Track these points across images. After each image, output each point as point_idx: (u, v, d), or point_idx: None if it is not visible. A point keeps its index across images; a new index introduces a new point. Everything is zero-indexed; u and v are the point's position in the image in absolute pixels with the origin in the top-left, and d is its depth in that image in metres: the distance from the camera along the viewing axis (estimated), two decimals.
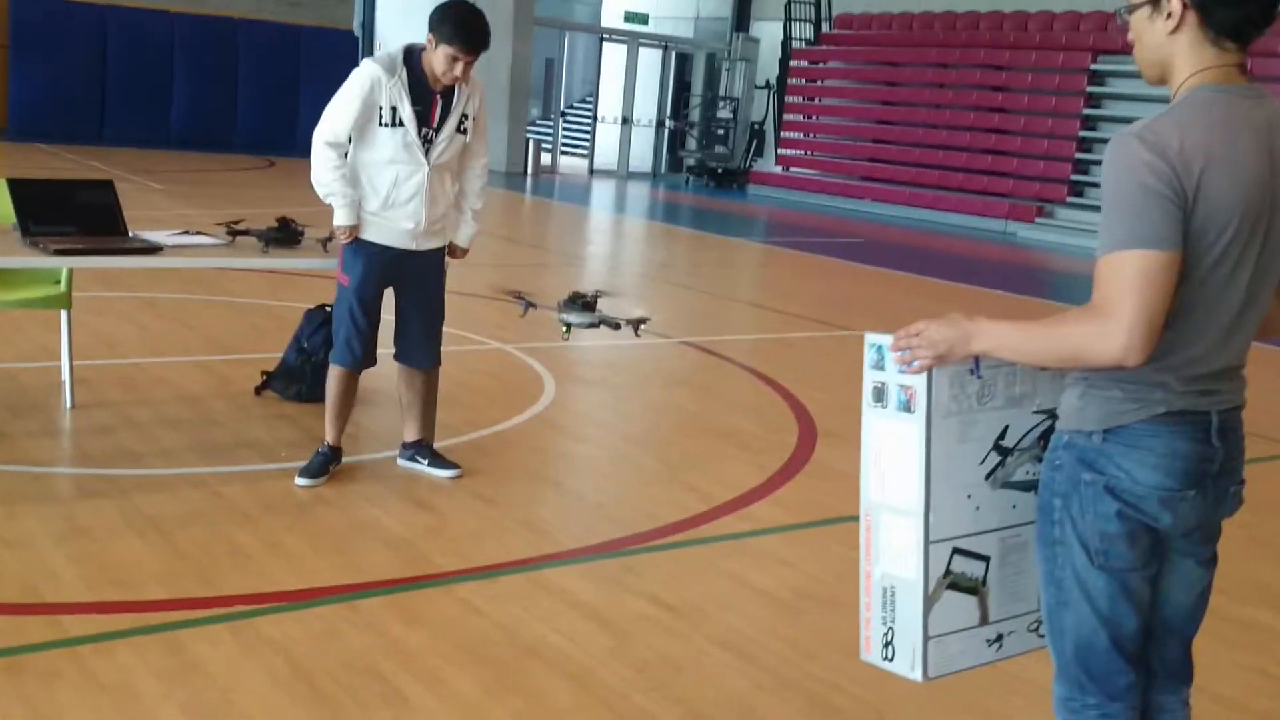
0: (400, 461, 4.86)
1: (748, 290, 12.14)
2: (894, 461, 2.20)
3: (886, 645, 2.25)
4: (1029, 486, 2.27)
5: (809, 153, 24.57)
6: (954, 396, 2.17)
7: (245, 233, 5.16)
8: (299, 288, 8.14)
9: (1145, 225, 1.96)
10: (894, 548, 2.21)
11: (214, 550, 3.95)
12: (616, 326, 4.35)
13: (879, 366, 2.19)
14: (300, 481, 4.55)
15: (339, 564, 3.92)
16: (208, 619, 3.48)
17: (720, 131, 26.02)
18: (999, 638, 2.32)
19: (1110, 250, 1.97)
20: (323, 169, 4.39)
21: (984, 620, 2.28)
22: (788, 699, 3.26)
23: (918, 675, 2.22)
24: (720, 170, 25.06)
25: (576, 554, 4.19)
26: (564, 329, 4.37)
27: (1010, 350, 2.10)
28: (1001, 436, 2.24)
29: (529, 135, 24.74)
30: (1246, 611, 4.15)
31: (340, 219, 4.45)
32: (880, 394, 2.20)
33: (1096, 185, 18.97)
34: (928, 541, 2.18)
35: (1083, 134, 19.46)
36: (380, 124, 4.37)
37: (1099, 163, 18.86)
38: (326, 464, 4.64)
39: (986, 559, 2.26)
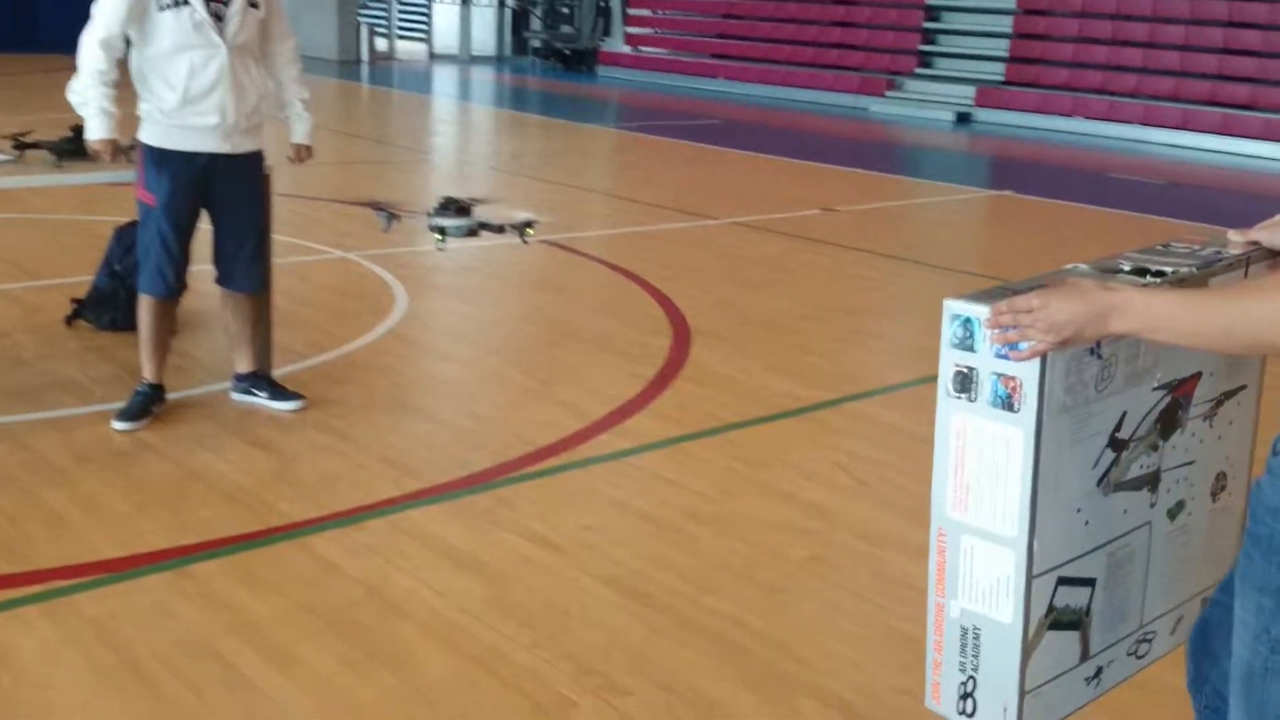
0: (234, 395, 4.35)
1: (604, 180, 11.68)
2: (985, 473, 1.69)
3: (965, 698, 1.78)
4: (1141, 484, 1.83)
5: (658, 31, 23.92)
6: (1069, 388, 1.66)
7: (35, 145, 4.49)
8: (117, 199, 7.35)
9: None
10: (981, 582, 1.72)
11: (21, 516, 3.43)
12: (500, 230, 3.89)
13: (965, 345, 1.67)
14: (118, 426, 4.02)
15: (168, 523, 3.43)
16: (16, 600, 3.00)
17: (565, 9, 25.10)
18: (1098, 672, 1.88)
19: None
20: (84, 73, 3.82)
21: (1085, 656, 1.84)
22: (688, 641, 2.96)
23: None
24: (568, 52, 24.22)
25: (444, 490, 3.79)
26: (438, 237, 3.87)
27: (1178, 332, 1.57)
28: (1118, 427, 1.76)
29: (360, 19, 23.42)
30: None
31: (94, 131, 3.88)
32: (966, 382, 1.68)
33: (946, 56, 19.10)
34: (1030, 577, 1.69)
35: (930, 2, 19.31)
36: (159, 8, 3.78)
37: (947, 32, 18.88)
38: (147, 404, 4.11)
39: (1092, 582, 1.80)
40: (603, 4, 24.49)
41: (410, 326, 5.59)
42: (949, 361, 1.70)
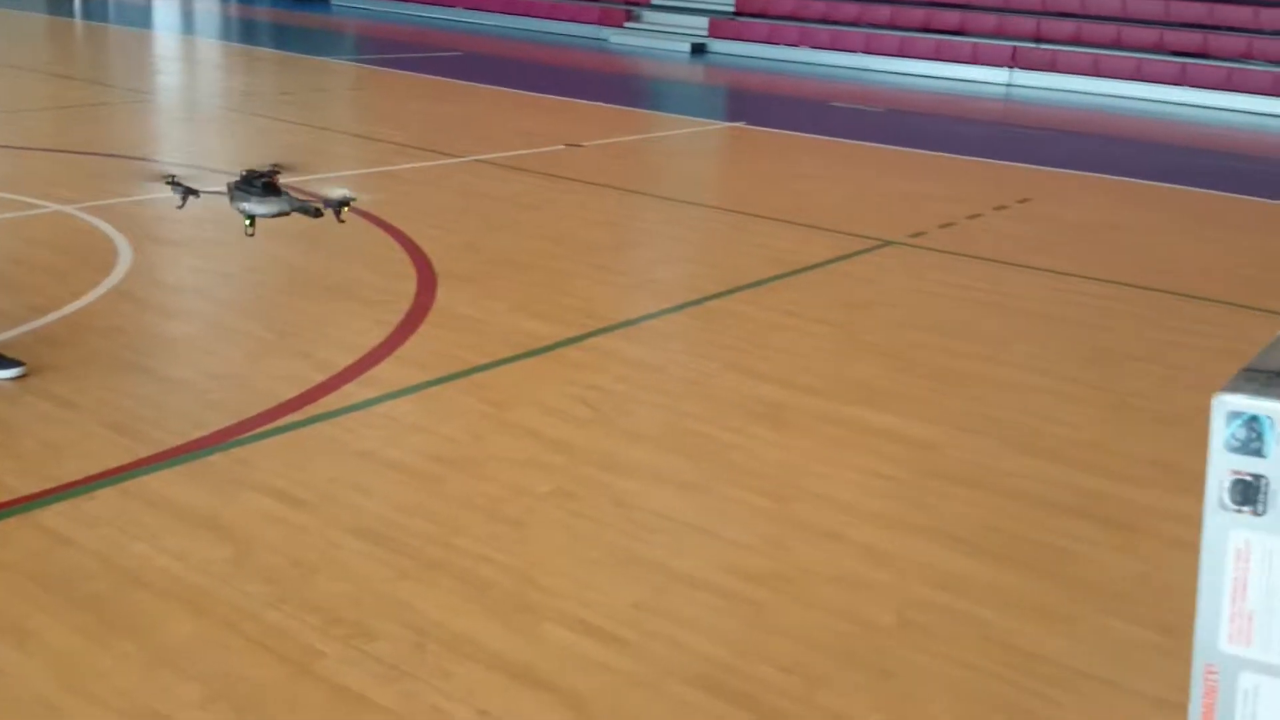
0: None
1: (343, 118, 11.37)
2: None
3: None
4: None
5: None
6: None
7: None
8: None
9: None
10: None
11: None
12: (316, 213, 3.48)
13: (1251, 450, 1.37)
14: None
15: None
16: None
17: None
18: None
19: None
20: None
21: None
22: (436, 581, 3.05)
23: None
24: None
25: (179, 453, 3.71)
26: (246, 223, 3.39)
27: None
28: None
29: None
30: (852, 412, 4.37)
31: None
32: (1250, 492, 1.38)
33: None
34: None
35: None
36: None
37: None
38: None
39: None
40: None
41: (136, 283, 5.36)
42: (1223, 469, 1.40)
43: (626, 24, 19.11)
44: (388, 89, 12.95)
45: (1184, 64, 14.75)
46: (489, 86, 13.05)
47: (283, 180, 3.55)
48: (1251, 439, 1.36)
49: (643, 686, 2.68)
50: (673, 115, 12.26)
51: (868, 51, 16.76)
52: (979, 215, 7.87)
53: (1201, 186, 9.46)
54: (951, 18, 16.70)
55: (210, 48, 16.98)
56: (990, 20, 16.42)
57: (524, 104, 12.16)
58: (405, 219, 6.67)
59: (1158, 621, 3.08)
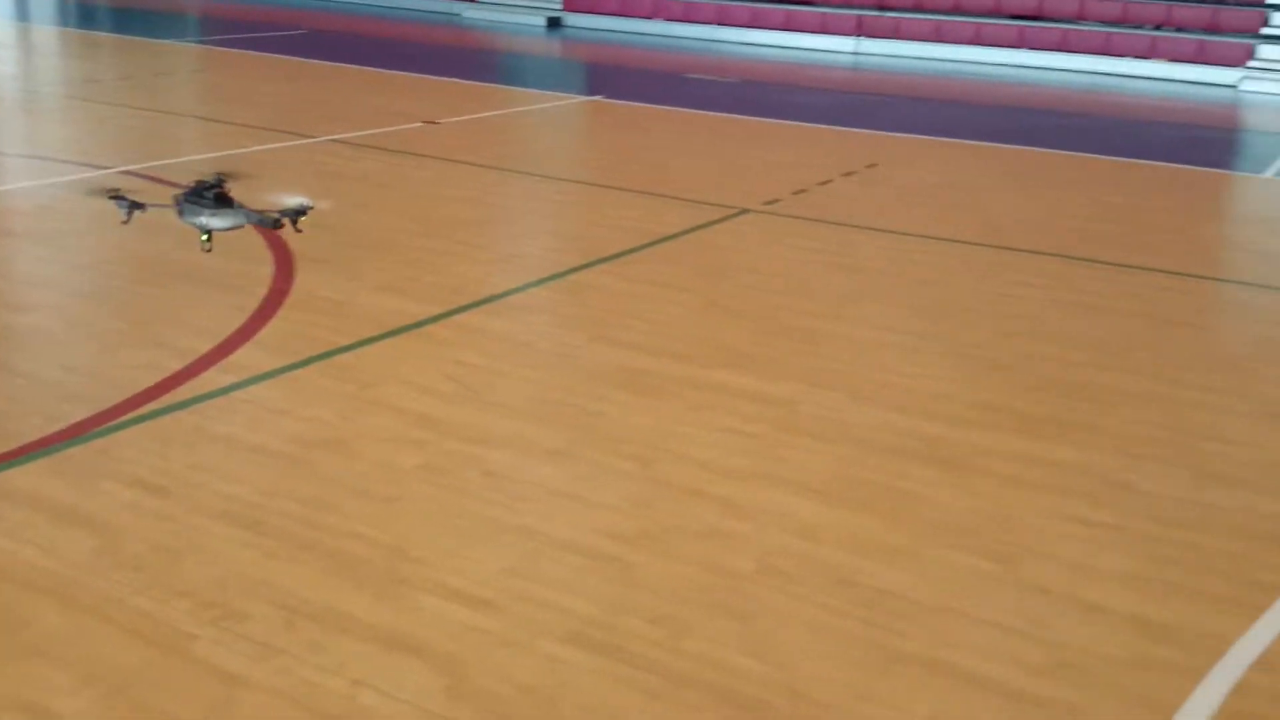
0: None
1: (188, 101, 11.06)
2: None
3: None
4: None
5: None
6: None
7: None
8: None
9: None
10: None
11: None
12: (276, 224, 3.24)
13: None
14: None
15: None
16: None
17: None
18: None
19: None
20: None
21: None
22: (305, 560, 3.09)
23: None
24: None
25: (38, 447, 3.65)
26: (203, 239, 3.13)
27: None
28: None
29: None
30: (714, 375, 4.52)
31: None
32: None
33: None
34: None
35: None
36: None
37: None
38: None
39: None
40: None
41: None
42: None
43: None
44: (234, 70, 12.64)
45: (1020, 27, 15.37)
46: (339, 64, 12.85)
47: (228, 185, 3.31)
48: None
49: (514, 646, 2.78)
50: (530, 90, 12.27)
51: (720, 23, 17.00)
52: (829, 181, 8.12)
53: (1035, 145, 9.91)
54: None
55: (47, 34, 16.27)
56: None
57: (377, 81, 12.01)
58: (260, 203, 6.57)
59: (994, 552, 3.31)
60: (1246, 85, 13.91)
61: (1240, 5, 14.79)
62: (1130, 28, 15.03)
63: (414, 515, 3.37)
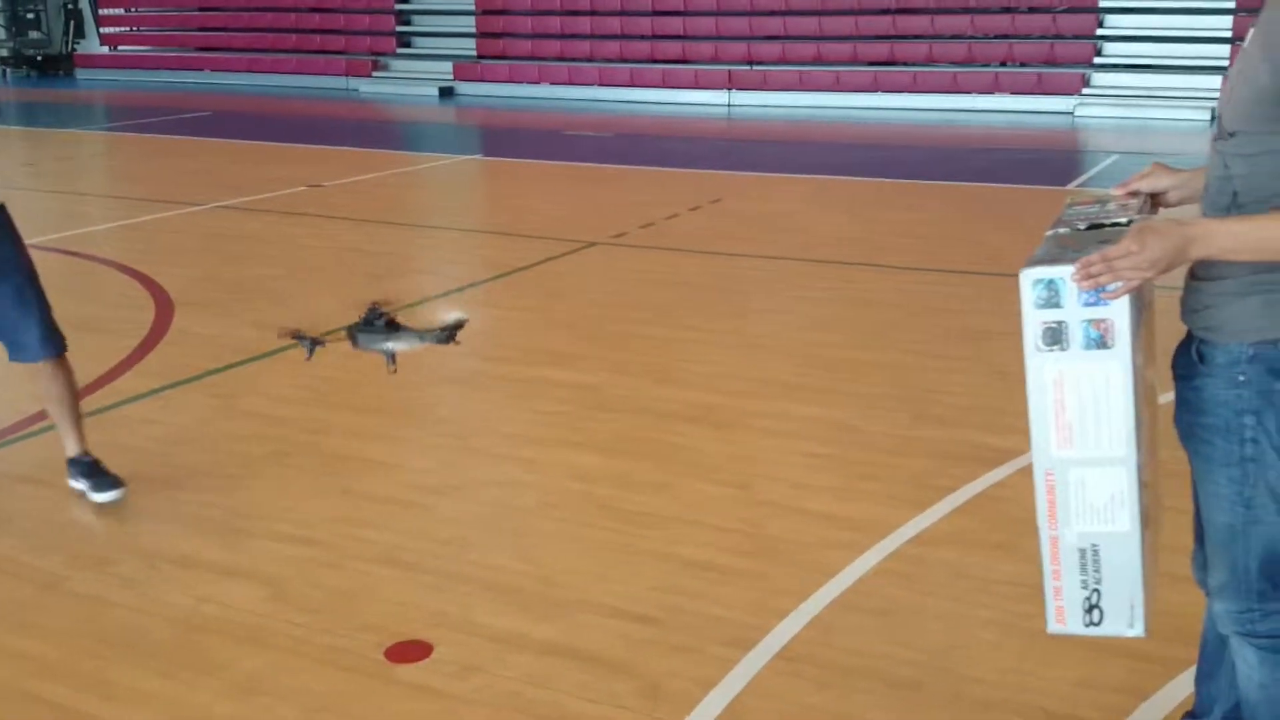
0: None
1: (88, 181, 11.72)
2: (1088, 409, 1.90)
3: (1091, 609, 1.99)
4: (1147, 398, 2.06)
5: (135, 28, 23.26)
6: (1133, 316, 1.87)
7: None
8: None
9: None
10: (1095, 503, 1.94)
11: None
12: (448, 339, 3.69)
13: (1052, 304, 1.87)
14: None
15: None
16: None
17: (30, 15, 23.68)
18: (1156, 561, 2.15)
19: None
20: None
21: (1154, 551, 2.11)
22: (166, 521, 3.79)
23: (1138, 630, 2.00)
24: (39, 58, 22.99)
25: None
26: (390, 363, 3.61)
27: (1252, 249, 1.86)
28: (1142, 350, 1.99)
29: None
30: (535, 371, 5.30)
31: None
32: (1057, 335, 1.88)
33: (424, 35, 20.27)
34: (1141, 486, 1.93)
35: None
36: None
37: (421, 12, 19.89)
38: None
39: (1149, 484, 2.04)
40: (71, 6, 23.37)
41: None
42: (1035, 321, 1.88)
43: (375, 73, 19.83)
44: (135, 151, 13.31)
45: (875, 72, 16.54)
46: (235, 140, 13.57)
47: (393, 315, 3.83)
48: (1051, 296, 1.85)
49: (330, 566, 3.50)
50: (414, 153, 13.08)
51: (601, 84, 18.00)
52: (676, 215, 8.99)
53: (875, 176, 10.89)
54: (674, 48, 18.13)
55: None
56: (708, 48, 17.92)
57: (269, 153, 12.76)
58: (147, 262, 7.28)
59: (735, 481, 4.10)
60: (1081, 111, 15.14)
61: (1074, 38, 16.10)
62: (976, 66, 16.27)
63: (257, 485, 4.08)
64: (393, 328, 3.49)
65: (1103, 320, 1.84)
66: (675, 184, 10.72)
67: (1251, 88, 1.92)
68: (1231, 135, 1.98)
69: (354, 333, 3.54)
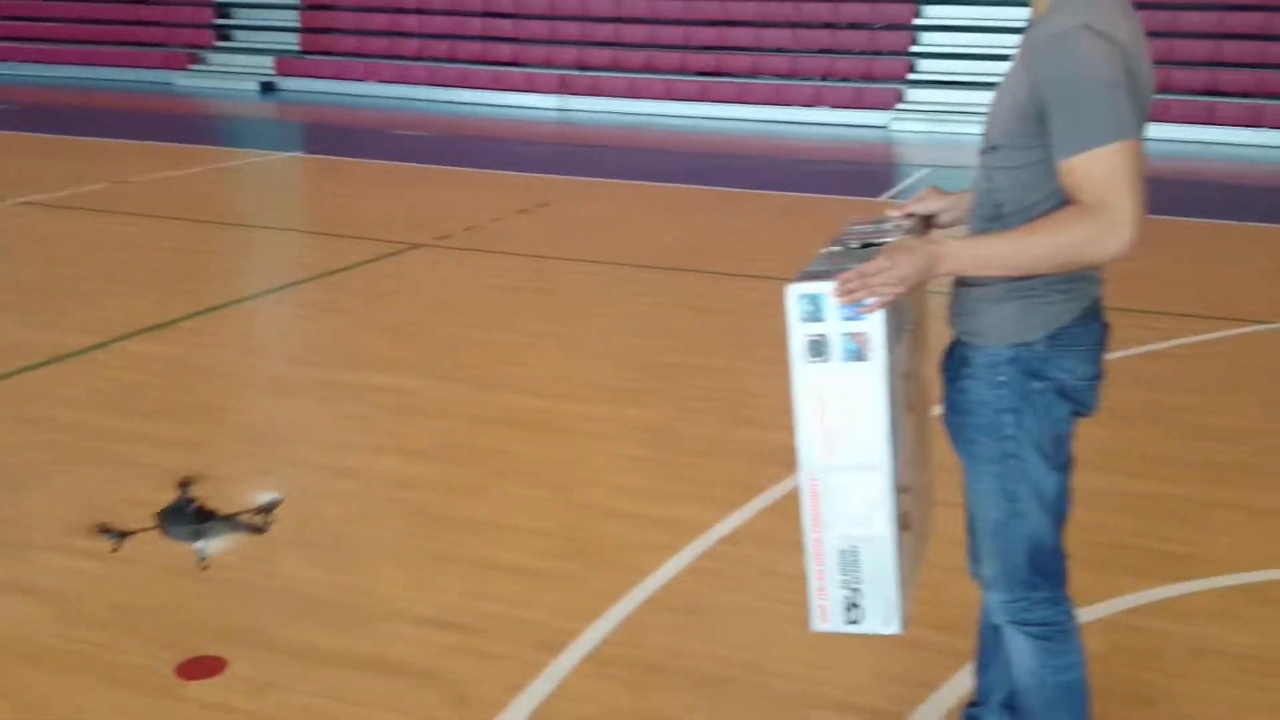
0: None
1: None
2: (846, 416, 1.98)
3: (851, 608, 2.07)
4: (910, 406, 2.17)
5: None
6: (890, 329, 1.97)
7: None
8: None
9: (1122, 117, 1.88)
10: (854, 508, 2.02)
11: None
12: (261, 530, 3.40)
13: (815, 318, 1.94)
14: None
15: None
16: None
17: None
18: (917, 561, 2.27)
19: (1092, 146, 1.87)
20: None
21: (915, 551, 2.22)
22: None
23: (894, 628, 2.07)
24: None
25: None
26: (202, 561, 3.27)
27: (994, 266, 1.96)
28: (902, 361, 2.10)
29: None
30: (350, 376, 5.17)
31: None
32: (819, 347, 1.95)
33: (244, 28, 19.61)
34: (896, 492, 2.02)
35: None
36: None
37: (242, 5, 19.19)
38: None
39: (909, 488, 2.14)
40: None
41: None
42: (800, 335, 1.96)
43: (191, 66, 19.06)
44: None
45: (703, 82, 16.80)
46: (35, 134, 12.84)
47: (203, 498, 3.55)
48: (814, 311, 1.94)
49: (119, 581, 3.33)
50: (230, 149, 12.63)
51: (430, 84, 17.74)
52: (501, 218, 8.93)
53: (698, 184, 11.05)
54: (505, 50, 18.02)
55: None
56: (540, 52, 17.87)
57: (73, 148, 12.11)
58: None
59: (554, 485, 4.07)
60: (896, 125, 15.72)
61: (891, 54, 16.71)
62: (798, 80, 16.71)
63: (36, 493, 3.85)
64: (202, 516, 3.46)
65: (860, 333, 1.92)
66: (502, 187, 10.64)
67: (1012, 102, 2.01)
68: (994, 149, 2.07)
69: (164, 523, 3.47)
